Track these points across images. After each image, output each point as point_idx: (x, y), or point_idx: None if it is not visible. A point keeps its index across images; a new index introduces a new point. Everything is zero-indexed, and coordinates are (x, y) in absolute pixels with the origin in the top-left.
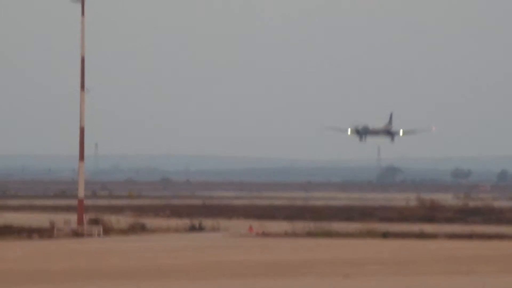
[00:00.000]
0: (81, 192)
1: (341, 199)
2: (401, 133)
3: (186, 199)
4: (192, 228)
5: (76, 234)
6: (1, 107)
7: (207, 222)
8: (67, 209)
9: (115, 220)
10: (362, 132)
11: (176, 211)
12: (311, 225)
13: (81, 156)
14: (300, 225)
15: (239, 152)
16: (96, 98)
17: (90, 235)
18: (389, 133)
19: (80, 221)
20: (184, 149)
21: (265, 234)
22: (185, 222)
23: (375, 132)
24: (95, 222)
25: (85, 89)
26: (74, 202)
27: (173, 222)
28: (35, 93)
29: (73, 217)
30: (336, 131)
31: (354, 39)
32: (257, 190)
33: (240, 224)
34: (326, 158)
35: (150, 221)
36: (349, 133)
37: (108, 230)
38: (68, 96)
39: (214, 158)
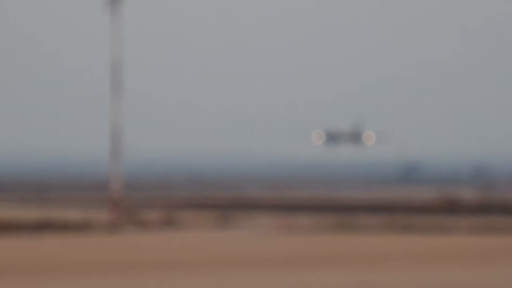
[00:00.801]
0: (116, 187)
1: (364, 193)
2: (371, 139)
3: (216, 194)
4: (222, 223)
5: (111, 228)
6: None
7: (237, 217)
8: (103, 203)
9: (149, 214)
10: (329, 138)
11: (207, 206)
12: (335, 219)
13: (117, 151)
14: (326, 219)
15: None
16: (131, 98)
17: (125, 229)
18: (358, 138)
19: (115, 216)
20: (214, 145)
21: (292, 229)
22: (215, 216)
23: (343, 137)
24: (130, 216)
25: (118, 89)
26: (109, 196)
27: (205, 217)
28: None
29: (108, 212)
30: (302, 134)
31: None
32: (283, 185)
33: (267, 219)
34: (347, 153)
35: (183, 216)
36: (315, 137)
37: (142, 224)
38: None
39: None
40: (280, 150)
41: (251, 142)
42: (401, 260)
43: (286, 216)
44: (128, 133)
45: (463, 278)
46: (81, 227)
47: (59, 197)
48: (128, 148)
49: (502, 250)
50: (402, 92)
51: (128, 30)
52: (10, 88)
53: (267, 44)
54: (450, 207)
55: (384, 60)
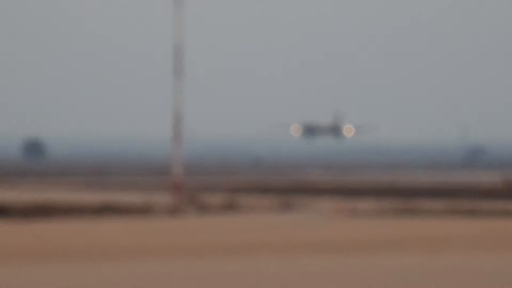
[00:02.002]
0: (178, 171)
1: (427, 178)
2: (350, 132)
3: (278, 178)
4: (283, 207)
5: (173, 212)
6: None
7: (298, 201)
8: (165, 187)
9: (210, 198)
10: (307, 131)
11: (269, 190)
12: (398, 204)
13: (179, 136)
14: (388, 204)
15: None
16: (192, 83)
17: (186, 212)
18: (337, 131)
19: (176, 199)
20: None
21: (353, 213)
22: (276, 201)
23: (321, 130)
24: (191, 200)
25: (179, 75)
26: (171, 180)
27: (266, 201)
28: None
29: (169, 195)
30: (280, 128)
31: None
32: (345, 170)
33: (329, 203)
34: (410, 138)
35: (244, 200)
36: (293, 130)
37: (203, 208)
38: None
39: None
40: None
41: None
42: (464, 245)
43: (347, 200)
44: (190, 118)
45: None
46: (143, 211)
47: (121, 181)
48: (190, 133)
49: None
50: (471, 79)
51: (192, 15)
52: (74, 74)
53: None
54: None
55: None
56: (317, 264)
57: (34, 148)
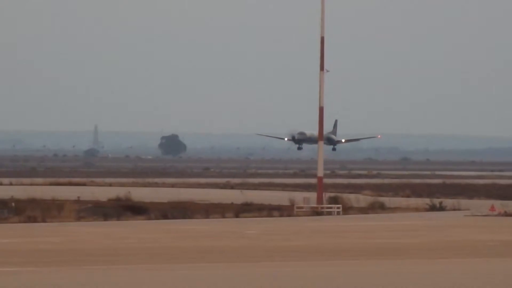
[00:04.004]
0: (321, 171)
1: None
2: (343, 141)
3: (426, 178)
4: (432, 208)
5: (316, 212)
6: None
7: (447, 202)
8: (307, 187)
9: (354, 198)
10: (298, 140)
11: (416, 190)
12: None
13: (320, 136)
14: None
15: (479, 131)
16: (335, 78)
17: (329, 213)
18: (330, 140)
19: (319, 200)
20: (423, 129)
21: (507, 214)
22: (424, 201)
23: (314, 140)
24: (334, 200)
25: (324, 69)
26: (313, 180)
27: (413, 201)
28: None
29: (312, 196)
30: (271, 138)
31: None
32: (498, 170)
33: (481, 204)
34: None
35: (389, 200)
36: (285, 140)
37: (347, 209)
38: (308, 76)
39: (453, 137)
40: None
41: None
42: None
43: (502, 200)
44: (335, 115)
45: None
46: (285, 210)
47: (262, 180)
48: (333, 129)
49: None
50: None
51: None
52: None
53: None
54: None
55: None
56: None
57: (172, 144)
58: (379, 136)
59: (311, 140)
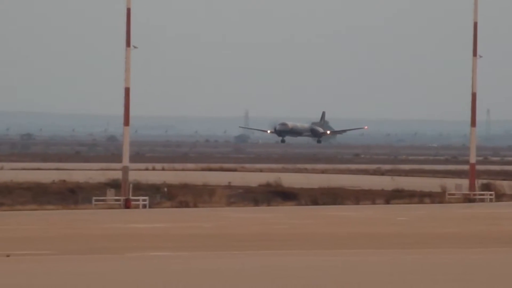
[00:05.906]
0: (473, 157)
1: None
2: (328, 133)
3: None
4: None
5: (468, 199)
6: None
7: None
8: (458, 174)
9: (507, 185)
10: (281, 132)
11: None
12: None
13: (473, 122)
14: None
15: None
16: (490, 64)
17: (482, 200)
18: (315, 132)
19: (472, 186)
20: None
21: None
22: None
23: (298, 132)
24: (486, 187)
25: (477, 55)
26: (465, 167)
27: None
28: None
29: (464, 182)
30: (254, 131)
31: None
32: None
33: None
34: None
35: None
36: (268, 132)
37: (500, 196)
38: (460, 63)
39: None
40: None
41: None
42: None
43: None
44: (487, 101)
45: None
46: (436, 197)
47: (413, 166)
48: (487, 117)
49: None
50: None
51: None
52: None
53: None
54: None
55: None
56: None
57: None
58: (365, 127)
59: (294, 132)
